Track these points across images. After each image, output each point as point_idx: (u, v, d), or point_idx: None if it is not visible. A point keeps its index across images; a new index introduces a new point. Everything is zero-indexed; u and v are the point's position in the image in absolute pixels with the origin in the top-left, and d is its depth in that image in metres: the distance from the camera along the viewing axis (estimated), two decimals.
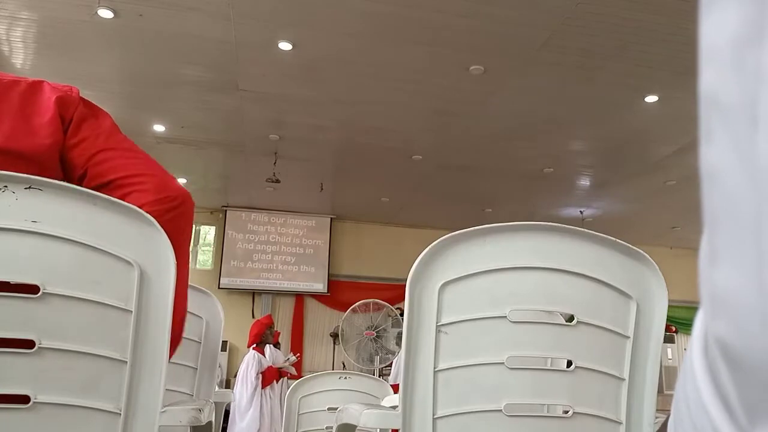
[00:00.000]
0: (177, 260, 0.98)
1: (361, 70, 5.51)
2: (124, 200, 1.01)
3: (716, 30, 0.23)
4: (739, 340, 0.23)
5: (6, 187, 0.78)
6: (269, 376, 6.09)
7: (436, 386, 1.05)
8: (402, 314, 1.29)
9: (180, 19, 4.80)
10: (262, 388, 6.00)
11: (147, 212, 0.98)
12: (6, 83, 1.04)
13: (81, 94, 1.10)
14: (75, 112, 1.06)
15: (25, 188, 0.79)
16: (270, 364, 6.16)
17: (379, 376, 7.45)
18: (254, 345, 6.18)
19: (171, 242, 0.98)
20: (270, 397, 6.09)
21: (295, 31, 4.95)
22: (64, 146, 1.03)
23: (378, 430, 1.79)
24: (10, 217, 0.79)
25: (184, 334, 1.60)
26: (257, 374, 5.99)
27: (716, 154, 0.23)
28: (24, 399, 0.80)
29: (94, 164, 1.03)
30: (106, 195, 0.85)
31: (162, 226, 0.91)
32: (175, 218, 1.03)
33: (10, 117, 1.00)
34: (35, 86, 1.06)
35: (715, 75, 0.23)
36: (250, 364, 5.99)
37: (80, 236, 0.82)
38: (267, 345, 6.25)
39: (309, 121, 6.67)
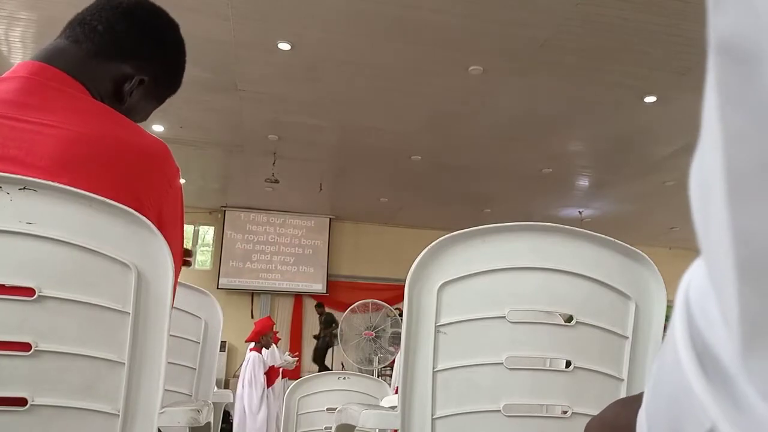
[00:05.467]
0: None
1: (361, 70, 5.50)
2: None
3: None
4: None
5: (0, 188, 0.78)
6: (273, 376, 6.13)
7: (435, 386, 1.05)
8: (401, 314, 1.29)
9: (179, 19, 4.76)
10: (267, 387, 6.04)
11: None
12: (131, 147, 0.93)
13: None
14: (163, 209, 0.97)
15: (20, 189, 0.79)
16: (271, 364, 6.20)
17: (378, 377, 7.44)
18: (254, 344, 6.21)
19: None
20: (272, 397, 6.14)
21: (294, 31, 4.94)
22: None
23: (377, 430, 1.78)
24: (4, 218, 0.78)
25: (183, 335, 1.60)
26: (263, 375, 6.04)
27: None
28: (21, 401, 0.80)
29: None
30: (101, 197, 0.84)
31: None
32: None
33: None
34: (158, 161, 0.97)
35: None
36: (256, 365, 6.02)
37: (76, 238, 0.81)
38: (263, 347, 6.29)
39: (308, 122, 6.66)
